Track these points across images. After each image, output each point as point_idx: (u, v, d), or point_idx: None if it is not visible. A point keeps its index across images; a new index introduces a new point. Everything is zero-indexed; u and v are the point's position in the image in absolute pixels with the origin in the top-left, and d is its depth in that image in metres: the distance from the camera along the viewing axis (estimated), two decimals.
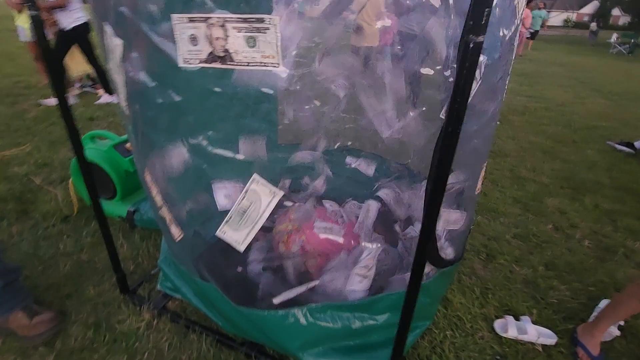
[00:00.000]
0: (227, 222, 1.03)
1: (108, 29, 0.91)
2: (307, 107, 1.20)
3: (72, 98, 4.35)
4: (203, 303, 1.39)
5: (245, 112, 0.97)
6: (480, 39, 0.60)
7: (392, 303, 1.21)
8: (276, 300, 1.16)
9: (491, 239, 2.19)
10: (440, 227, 1.13)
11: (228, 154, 0.96)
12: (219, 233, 1.04)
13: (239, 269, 1.21)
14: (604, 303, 1.65)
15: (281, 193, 1.01)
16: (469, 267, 1.92)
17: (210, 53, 0.79)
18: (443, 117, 0.92)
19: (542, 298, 1.75)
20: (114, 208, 2.19)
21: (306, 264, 1.25)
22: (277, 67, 0.78)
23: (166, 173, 1.06)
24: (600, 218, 2.50)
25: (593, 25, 18.82)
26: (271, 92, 0.86)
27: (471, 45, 0.62)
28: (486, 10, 0.59)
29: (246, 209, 1.01)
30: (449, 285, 1.73)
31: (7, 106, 4.31)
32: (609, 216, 2.54)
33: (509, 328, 1.52)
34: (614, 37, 16.52)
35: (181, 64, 0.81)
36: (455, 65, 0.73)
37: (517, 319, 1.59)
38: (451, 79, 0.83)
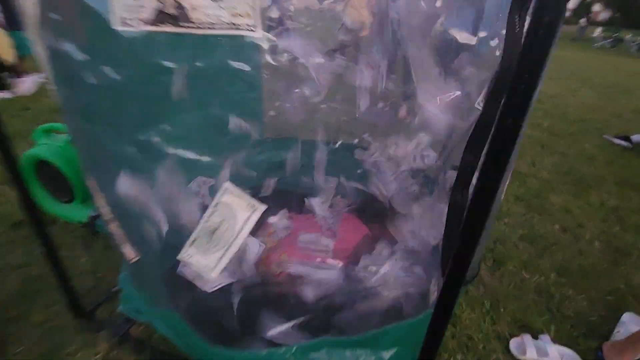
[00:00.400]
0: (192, 242, 0.79)
1: None
2: (296, 90, 0.96)
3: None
4: (172, 332, 1.15)
5: (211, 97, 0.73)
6: None
7: (402, 335, 1.00)
8: (257, 339, 0.93)
9: (497, 241, 2.00)
10: None
11: (190, 155, 0.72)
12: (182, 256, 0.81)
13: (212, 299, 0.97)
14: (627, 317, 1.49)
15: (263, 207, 0.77)
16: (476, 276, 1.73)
17: (158, 10, 0.54)
18: (478, 107, 0.71)
19: (558, 310, 1.58)
20: (73, 212, 1.91)
21: (291, 288, 1.01)
22: (254, 31, 0.54)
23: (111, 179, 0.81)
24: (608, 216, 2.36)
25: (583, 21, 19.67)
26: (246, 68, 0.62)
27: None
28: None
29: (216, 228, 0.77)
30: None
31: None
32: (616, 214, 2.40)
33: (527, 349, 1.34)
34: (599, 31, 16.77)
35: (117, 27, 0.57)
36: (505, 31, 0.51)
37: (534, 337, 1.41)
38: (498, 52, 0.61)
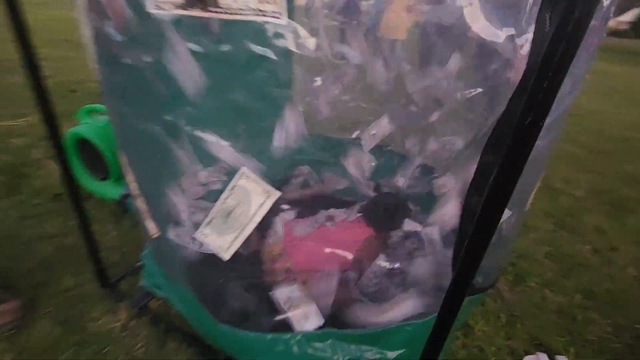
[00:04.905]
0: (208, 223, 0.83)
1: None
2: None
3: None
4: (186, 309, 1.20)
5: (235, 83, 0.75)
6: None
7: (409, 336, 0.99)
8: (265, 322, 0.96)
9: (520, 256, 1.93)
10: None
11: (211, 138, 0.75)
12: (198, 235, 0.84)
13: (222, 280, 1.01)
14: None
15: (277, 193, 0.79)
16: (493, 288, 1.68)
17: None
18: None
19: (580, 334, 1.50)
20: (107, 189, 2.02)
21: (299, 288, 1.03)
22: (279, 18, 0.56)
23: (139, 156, 0.86)
24: None
25: None
26: (272, 55, 0.65)
27: None
28: None
29: (232, 210, 0.80)
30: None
31: (20, 76, 4.18)
32: None
33: None
34: None
35: (151, 9, 0.61)
36: (534, 29, 0.50)
37: (551, 358, 1.35)
38: (524, 51, 0.60)
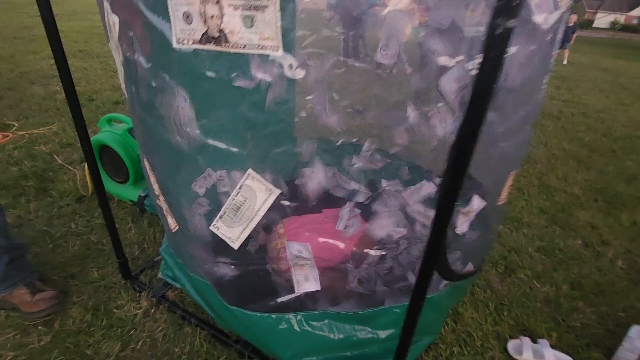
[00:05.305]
0: (220, 217, 0.97)
1: (107, 5, 0.86)
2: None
3: None
4: (199, 297, 1.35)
5: (241, 100, 0.90)
6: (511, 23, 0.50)
7: (397, 317, 1.12)
8: (269, 304, 1.10)
9: (512, 250, 2.04)
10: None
11: (221, 145, 0.90)
12: (212, 228, 0.99)
13: (232, 267, 1.16)
14: (634, 331, 1.49)
15: (278, 191, 0.94)
16: (484, 280, 1.80)
17: (204, 33, 0.72)
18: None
19: (564, 320, 1.61)
20: (126, 192, 2.19)
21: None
22: (277, 51, 0.70)
23: (161, 161, 1.01)
24: (637, 237, 2.29)
25: None
26: (269, 79, 0.79)
27: (498, 32, 0.51)
28: None
29: (240, 205, 0.95)
30: (461, 299, 1.61)
31: (41, 86, 4.42)
32: None
33: (524, 350, 1.40)
34: None
35: (175, 45, 0.75)
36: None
37: (534, 341, 1.46)
38: (474, 72, 0.73)
